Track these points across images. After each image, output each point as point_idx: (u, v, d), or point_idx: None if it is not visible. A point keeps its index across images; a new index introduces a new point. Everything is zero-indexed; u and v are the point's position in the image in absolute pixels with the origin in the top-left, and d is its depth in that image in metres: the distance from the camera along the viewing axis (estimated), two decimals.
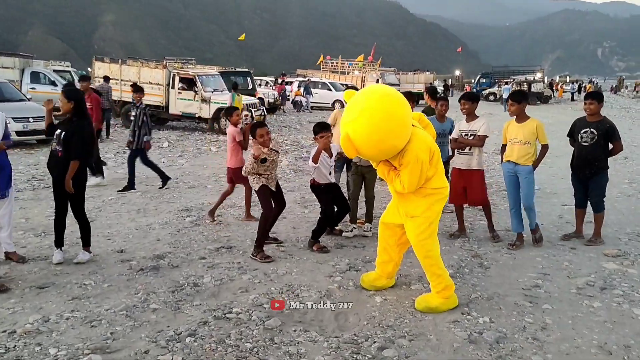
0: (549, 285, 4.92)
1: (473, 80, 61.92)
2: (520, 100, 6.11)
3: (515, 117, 6.12)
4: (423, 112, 7.34)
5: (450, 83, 58.24)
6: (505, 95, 36.03)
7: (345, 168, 7.39)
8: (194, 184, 9.64)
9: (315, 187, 6.14)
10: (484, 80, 51.75)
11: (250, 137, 5.98)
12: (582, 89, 50.87)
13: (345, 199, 6.36)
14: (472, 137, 6.26)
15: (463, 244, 6.17)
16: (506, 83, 43.00)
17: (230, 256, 5.72)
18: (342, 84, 31.40)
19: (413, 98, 6.57)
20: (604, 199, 6.26)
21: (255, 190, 6.00)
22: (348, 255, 5.76)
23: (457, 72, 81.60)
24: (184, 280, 5.00)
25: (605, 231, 6.43)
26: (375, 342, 3.81)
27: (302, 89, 28.94)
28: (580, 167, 6.23)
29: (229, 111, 7.35)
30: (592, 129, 6.12)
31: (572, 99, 44.63)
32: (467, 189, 6.31)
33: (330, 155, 6.02)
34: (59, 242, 5.53)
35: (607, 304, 4.52)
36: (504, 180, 6.36)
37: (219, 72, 21.21)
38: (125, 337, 3.89)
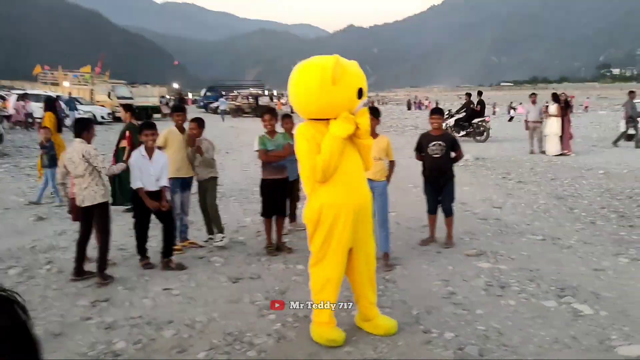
0: (460, 291, 5.23)
1: (191, 94, 62.56)
2: (378, 116, 6.36)
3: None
4: (126, 129, 7.89)
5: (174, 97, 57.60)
6: (222, 107, 37.32)
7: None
8: None
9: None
10: (210, 94, 52.65)
11: None
12: None
13: (170, 219, 6.08)
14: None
15: None
16: (222, 96, 44.51)
17: (120, 310, 4.70)
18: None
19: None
20: (453, 204, 6.95)
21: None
22: (253, 289, 5.24)
23: (176, 85, 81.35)
24: (92, 352, 3.93)
25: (440, 233, 7.10)
26: None
27: (63, 104, 25.34)
28: (435, 177, 6.77)
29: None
30: (439, 142, 6.72)
31: (292, 112, 48.37)
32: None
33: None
34: None
35: (518, 300, 5.00)
36: None
37: None
38: None
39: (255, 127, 30.00)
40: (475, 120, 19.23)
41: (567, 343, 4.13)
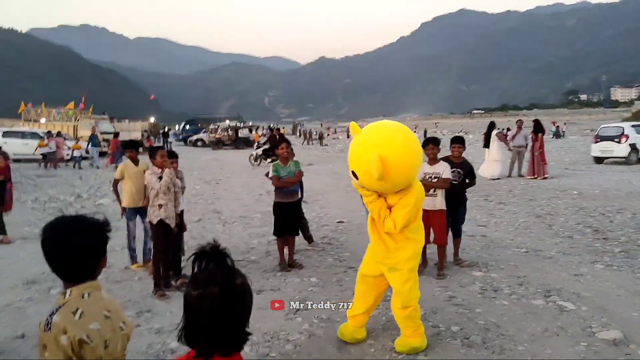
0: (459, 294, 5.93)
1: (167, 127, 63.11)
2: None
3: None
4: None
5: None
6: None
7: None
8: None
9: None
10: (189, 127, 53.41)
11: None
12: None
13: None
14: (435, 180, 6.72)
15: None
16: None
17: (164, 318, 5.33)
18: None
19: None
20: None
21: (152, 223, 6.16)
22: (277, 298, 5.80)
23: (152, 119, 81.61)
24: (151, 350, 4.56)
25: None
26: None
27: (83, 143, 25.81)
28: (451, 201, 7.10)
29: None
30: (458, 170, 7.20)
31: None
32: (432, 229, 6.59)
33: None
34: None
35: (512, 300, 5.72)
36: None
37: None
38: None
39: (236, 158, 30.66)
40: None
41: (555, 331, 4.85)
